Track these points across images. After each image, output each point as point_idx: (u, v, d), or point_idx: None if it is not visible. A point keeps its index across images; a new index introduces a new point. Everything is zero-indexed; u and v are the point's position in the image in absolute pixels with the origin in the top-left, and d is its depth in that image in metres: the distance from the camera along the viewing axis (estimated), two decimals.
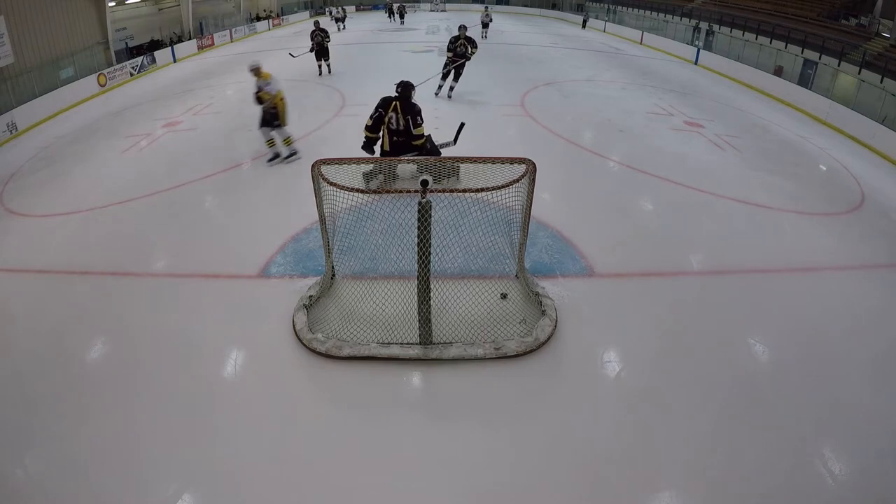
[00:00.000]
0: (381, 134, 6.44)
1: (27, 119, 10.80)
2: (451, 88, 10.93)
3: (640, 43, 21.08)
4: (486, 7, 23.70)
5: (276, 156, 7.71)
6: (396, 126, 6.35)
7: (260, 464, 3.18)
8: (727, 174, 7.60)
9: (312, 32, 13.55)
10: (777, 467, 3.20)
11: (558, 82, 13.12)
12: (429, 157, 5.95)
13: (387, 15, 28.90)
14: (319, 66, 13.89)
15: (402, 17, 27.63)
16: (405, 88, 6.36)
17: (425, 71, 12.62)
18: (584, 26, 26.36)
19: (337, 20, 24.09)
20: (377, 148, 6.54)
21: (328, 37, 13.65)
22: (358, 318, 4.25)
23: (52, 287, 5.02)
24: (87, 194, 6.96)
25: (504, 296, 4.62)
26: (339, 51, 18.22)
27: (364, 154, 6.42)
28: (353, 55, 17.40)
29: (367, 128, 6.43)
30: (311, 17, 30.68)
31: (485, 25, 20.58)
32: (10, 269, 5.38)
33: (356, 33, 22.93)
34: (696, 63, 17.13)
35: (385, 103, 6.37)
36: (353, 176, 3.93)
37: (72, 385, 3.81)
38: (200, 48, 19.31)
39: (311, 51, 13.60)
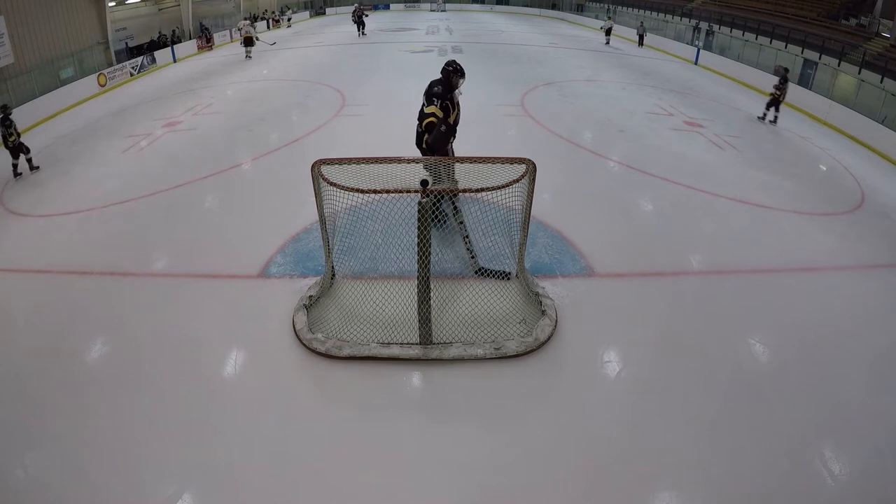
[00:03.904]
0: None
1: (27, 119, 10.79)
2: None
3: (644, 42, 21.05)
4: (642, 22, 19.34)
5: None
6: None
7: (260, 463, 3.18)
8: (727, 174, 7.60)
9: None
10: (777, 467, 3.20)
11: (558, 82, 13.11)
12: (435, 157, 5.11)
13: (353, 23, 21.90)
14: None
15: (361, 24, 21.58)
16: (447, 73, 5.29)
17: (424, 70, 12.59)
18: (640, 42, 19.99)
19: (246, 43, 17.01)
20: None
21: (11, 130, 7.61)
22: (358, 318, 4.25)
23: (52, 287, 5.02)
24: (87, 194, 6.96)
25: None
26: (337, 51, 18.24)
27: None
28: (352, 55, 17.39)
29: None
30: (311, 17, 30.52)
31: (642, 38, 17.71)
32: (10, 269, 5.38)
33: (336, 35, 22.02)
34: (696, 63, 17.12)
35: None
36: (353, 176, 3.92)
37: (72, 385, 3.81)
38: (200, 48, 19.31)
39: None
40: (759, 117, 11.16)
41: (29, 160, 7.97)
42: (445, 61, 5.40)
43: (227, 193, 6.93)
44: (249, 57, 16.59)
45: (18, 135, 7.87)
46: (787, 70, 11.66)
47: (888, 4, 15.95)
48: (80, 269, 5.24)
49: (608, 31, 20.27)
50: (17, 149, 7.77)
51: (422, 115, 5.24)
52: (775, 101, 10.88)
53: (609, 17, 22.35)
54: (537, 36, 22.49)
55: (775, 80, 13.35)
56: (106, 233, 5.97)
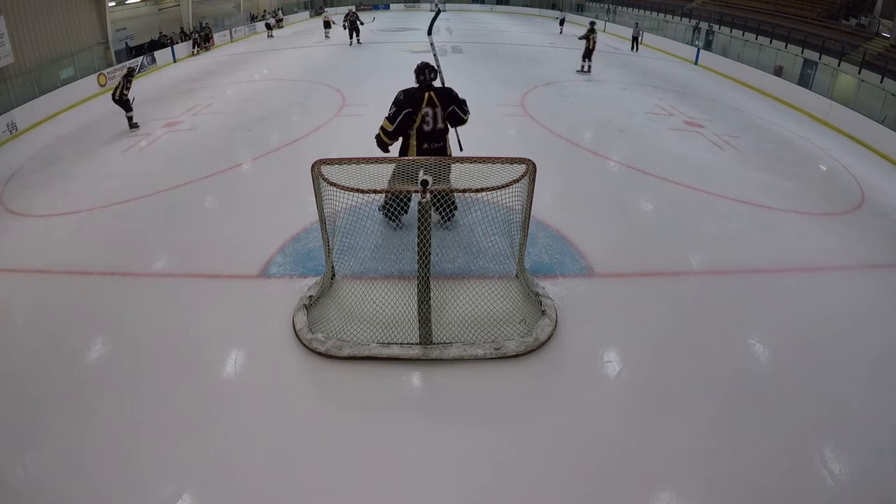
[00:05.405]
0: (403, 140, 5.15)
1: (27, 119, 10.80)
2: None
3: (640, 43, 21.04)
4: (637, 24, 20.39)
5: None
6: (433, 125, 4.89)
7: (260, 464, 3.17)
8: (727, 174, 7.60)
9: None
10: (777, 467, 3.20)
11: (558, 82, 13.11)
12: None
13: (343, 29, 19.76)
14: None
15: (355, 30, 19.11)
16: (433, 71, 4.96)
17: None
18: (634, 46, 19.07)
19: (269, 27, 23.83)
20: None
21: None
22: (358, 318, 4.25)
23: (52, 287, 5.02)
24: (87, 194, 6.96)
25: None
26: (336, 51, 18.24)
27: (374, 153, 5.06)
28: (351, 54, 17.40)
29: (387, 133, 5.02)
30: (311, 16, 30.46)
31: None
32: (10, 269, 5.38)
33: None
34: (696, 63, 17.12)
35: (412, 98, 4.87)
36: (353, 176, 3.92)
37: (72, 385, 3.81)
38: (198, 48, 19.30)
39: None
40: (577, 70, 13.94)
41: (129, 118, 9.70)
42: (422, 63, 5.08)
43: (227, 193, 6.93)
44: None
45: (125, 93, 9.55)
46: (593, 22, 15.02)
47: (888, 4, 15.96)
48: (80, 269, 5.23)
49: (561, 22, 24.93)
50: (120, 102, 9.58)
51: (459, 122, 5.25)
52: (588, 53, 13.72)
53: (561, 10, 29.08)
54: (537, 36, 22.50)
55: (773, 78, 13.45)
56: (106, 233, 5.96)
